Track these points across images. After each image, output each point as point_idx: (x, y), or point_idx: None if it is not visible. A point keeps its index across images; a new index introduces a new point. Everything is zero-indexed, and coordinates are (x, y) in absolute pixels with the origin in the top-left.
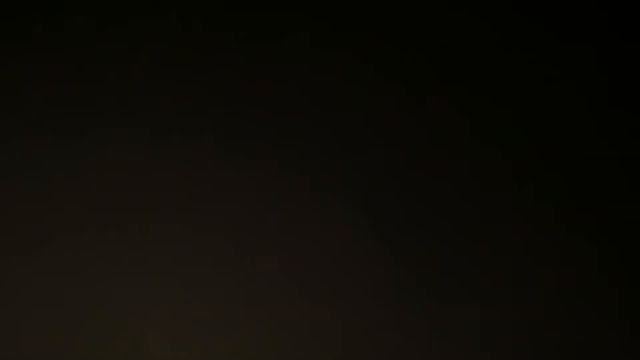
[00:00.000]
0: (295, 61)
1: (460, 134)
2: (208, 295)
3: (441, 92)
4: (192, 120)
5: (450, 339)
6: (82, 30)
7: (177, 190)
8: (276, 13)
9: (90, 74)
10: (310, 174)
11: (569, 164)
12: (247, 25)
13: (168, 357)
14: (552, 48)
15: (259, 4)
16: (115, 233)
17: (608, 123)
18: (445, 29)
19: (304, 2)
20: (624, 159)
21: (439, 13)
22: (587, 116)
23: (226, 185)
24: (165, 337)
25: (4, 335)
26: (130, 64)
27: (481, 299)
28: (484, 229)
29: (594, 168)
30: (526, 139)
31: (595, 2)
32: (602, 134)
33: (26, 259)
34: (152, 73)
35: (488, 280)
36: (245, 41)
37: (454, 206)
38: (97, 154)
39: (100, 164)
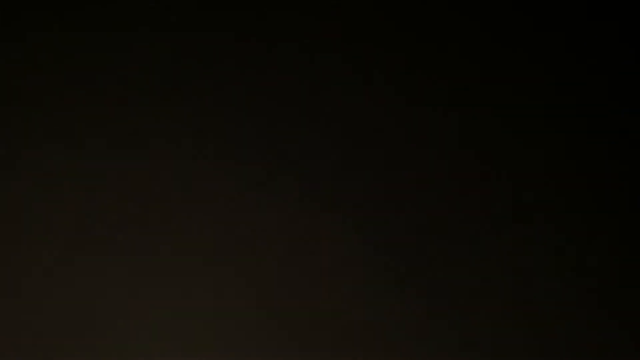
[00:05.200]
0: (293, 65)
1: (459, 137)
2: (207, 296)
3: (442, 99)
4: (191, 122)
5: (449, 339)
6: (81, 32)
7: (177, 192)
8: (271, 15)
9: (88, 75)
10: (308, 176)
11: (568, 165)
12: (244, 28)
13: (167, 357)
14: (550, 49)
15: (256, 6)
16: (114, 234)
17: (605, 125)
18: (438, 30)
19: (297, 4)
20: (623, 160)
21: (430, 14)
22: (584, 116)
23: (224, 187)
24: (163, 338)
25: (4, 336)
26: (129, 67)
27: (478, 299)
28: (481, 230)
29: (593, 168)
30: (524, 141)
31: (594, 2)
32: (598, 135)
33: (25, 260)
34: (150, 75)
35: (485, 281)
36: (242, 44)
37: (452, 208)
38: (97, 154)
39: (99, 165)
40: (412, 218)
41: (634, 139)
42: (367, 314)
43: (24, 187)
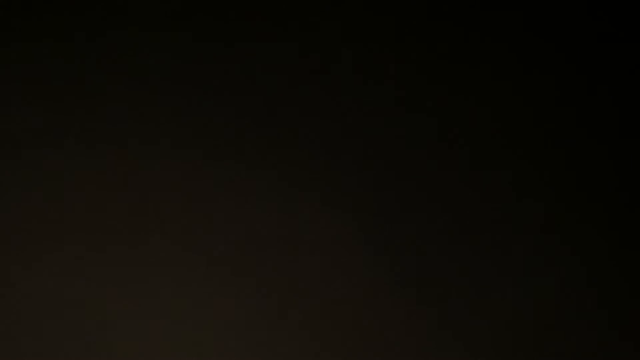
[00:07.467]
0: (290, 63)
1: (456, 133)
2: (207, 296)
3: (438, 93)
4: (191, 122)
5: (446, 338)
6: (81, 32)
7: (177, 192)
8: (270, 16)
9: (87, 75)
10: (306, 175)
11: (568, 164)
12: (243, 26)
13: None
14: (548, 49)
15: (256, 7)
16: (115, 236)
17: (602, 124)
18: (436, 30)
19: (298, 4)
20: (620, 159)
21: (427, 14)
22: (581, 116)
23: (222, 187)
24: (164, 341)
25: (5, 336)
26: (130, 67)
27: (475, 297)
28: (480, 228)
29: (591, 168)
30: (522, 139)
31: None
32: (594, 135)
33: (26, 261)
34: (150, 75)
35: (482, 278)
36: (241, 43)
37: (450, 205)
38: (97, 155)
39: (100, 166)
40: (415, 220)
41: (634, 140)
42: (369, 316)
43: (24, 187)
